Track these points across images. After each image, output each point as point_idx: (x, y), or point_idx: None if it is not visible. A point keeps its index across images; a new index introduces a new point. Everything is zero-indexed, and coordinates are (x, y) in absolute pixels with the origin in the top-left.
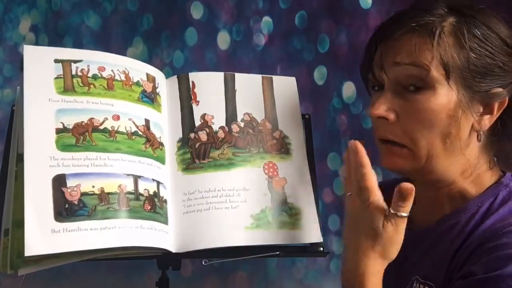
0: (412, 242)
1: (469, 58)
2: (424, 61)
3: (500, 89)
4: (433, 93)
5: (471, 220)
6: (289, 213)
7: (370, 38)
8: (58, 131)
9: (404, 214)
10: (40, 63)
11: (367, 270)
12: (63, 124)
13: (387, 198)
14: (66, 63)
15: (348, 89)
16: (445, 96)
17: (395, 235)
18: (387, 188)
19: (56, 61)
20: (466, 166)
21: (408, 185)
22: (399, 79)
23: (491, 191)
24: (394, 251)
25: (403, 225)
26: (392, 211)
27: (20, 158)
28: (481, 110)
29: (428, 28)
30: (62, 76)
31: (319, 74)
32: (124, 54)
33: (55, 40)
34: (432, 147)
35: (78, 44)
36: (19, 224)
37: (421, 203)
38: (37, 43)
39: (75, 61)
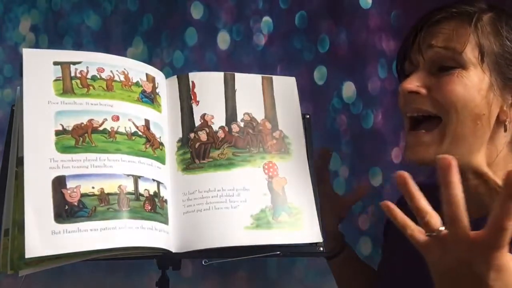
0: None
1: (504, 46)
2: (456, 45)
3: None
4: (464, 71)
5: None
6: (289, 213)
7: (411, 27)
8: (58, 133)
9: None
10: (39, 66)
11: None
12: (63, 126)
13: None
14: (65, 65)
15: (348, 89)
16: (477, 76)
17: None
18: (428, 191)
19: (55, 63)
20: (494, 156)
21: None
22: (433, 60)
23: None
24: None
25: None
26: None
27: (20, 162)
28: (511, 100)
29: (468, 15)
30: (61, 78)
31: (319, 74)
32: (124, 54)
33: (55, 40)
34: (463, 125)
35: (78, 44)
36: (19, 224)
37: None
38: (37, 43)
39: (74, 63)
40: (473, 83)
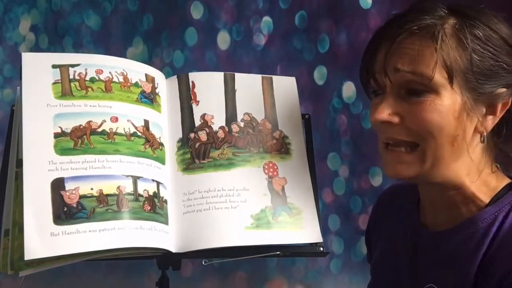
0: (426, 246)
1: (472, 60)
2: (425, 69)
3: (504, 90)
4: (437, 96)
5: (490, 229)
6: (289, 213)
7: (370, 42)
8: (57, 135)
9: None
10: (38, 69)
11: None
12: (61, 128)
13: (404, 202)
14: (64, 68)
15: (348, 89)
16: (449, 99)
17: None
18: (404, 190)
19: (54, 66)
20: (471, 167)
21: None
22: (400, 84)
23: (507, 199)
24: None
25: None
26: None
27: (20, 163)
28: (485, 111)
29: (430, 30)
30: (60, 81)
31: (319, 74)
32: (124, 54)
33: (55, 40)
34: (440, 150)
35: (78, 44)
36: (19, 225)
37: (433, 204)
38: (37, 43)
39: (73, 65)
40: (447, 108)
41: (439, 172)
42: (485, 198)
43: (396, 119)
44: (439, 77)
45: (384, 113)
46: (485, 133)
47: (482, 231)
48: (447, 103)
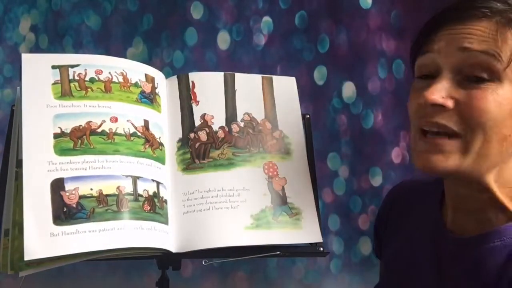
0: (450, 251)
1: None
2: (498, 51)
3: None
4: (498, 86)
5: None
6: (289, 213)
7: (429, 21)
8: (56, 135)
9: None
10: (38, 70)
11: None
12: (61, 129)
13: (423, 201)
14: (63, 69)
15: (348, 89)
16: (510, 93)
17: None
18: (420, 187)
19: (54, 67)
20: (509, 178)
21: None
22: (462, 66)
23: None
24: None
25: None
26: None
27: (20, 164)
28: None
29: (505, 16)
30: (59, 81)
31: (319, 74)
32: (124, 54)
33: (55, 40)
34: (487, 146)
35: (78, 44)
36: (19, 225)
37: (461, 206)
38: (37, 43)
39: (72, 66)
40: (507, 101)
41: (480, 171)
42: None
43: (450, 103)
44: (508, 68)
45: (438, 94)
46: None
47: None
48: (508, 96)
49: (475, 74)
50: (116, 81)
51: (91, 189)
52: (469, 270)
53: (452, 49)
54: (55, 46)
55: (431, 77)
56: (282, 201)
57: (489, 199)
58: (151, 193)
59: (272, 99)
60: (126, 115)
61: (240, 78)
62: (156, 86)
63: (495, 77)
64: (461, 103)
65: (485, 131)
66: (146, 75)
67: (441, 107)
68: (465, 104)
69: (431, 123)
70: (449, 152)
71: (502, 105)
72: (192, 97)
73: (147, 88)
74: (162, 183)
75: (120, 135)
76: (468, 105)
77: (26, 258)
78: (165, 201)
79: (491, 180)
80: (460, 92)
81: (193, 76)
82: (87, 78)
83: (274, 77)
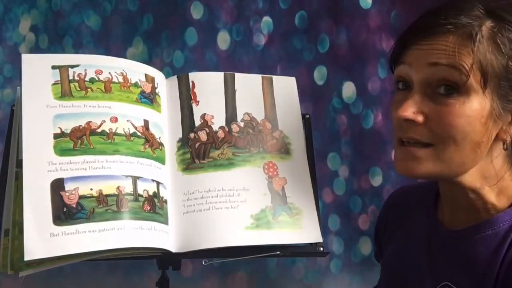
0: (443, 244)
1: (507, 66)
2: (464, 65)
3: None
4: (466, 99)
5: (510, 233)
6: (289, 213)
7: (401, 35)
8: (56, 136)
9: None
10: (38, 70)
11: None
12: (61, 129)
13: (420, 201)
14: (63, 69)
15: (348, 89)
16: (478, 103)
17: None
18: (418, 190)
19: (54, 67)
20: (491, 174)
21: None
22: (430, 80)
23: None
24: None
25: None
26: None
27: (20, 164)
28: (510, 119)
29: (466, 31)
30: (59, 82)
31: (319, 74)
32: (124, 55)
33: (55, 40)
34: (460, 155)
35: (78, 44)
36: (19, 225)
37: (453, 202)
38: (37, 43)
39: (72, 66)
40: (475, 113)
41: (457, 174)
42: (504, 204)
43: (420, 118)
44: (473, 79)
45: (409, 110)
46: (508, 141)
47: (503, 233)
48: (475, 107)
49: (442, 86)
50: (116, 81)
51: (91, 189)
52: (462, 261)
53: (421, 64)
54: (55, 46)
55: (409, 87)
56: (282, 201)
57: (476, 196)
58: (151, 193)
59: (272, 99)
60: (126, 115)
61: (240, 78)
62: (156, 86)
63: (462, 89)
64: (430, 119)
65: (456, 142)
66: (146, 75)
67: (413, 122)
68: (434, 120)
69: (405, 136)
70: (423, 159)
71: (470, 117)
72: (192, 97)
73: (147, 88)
74: (162, 183)
75: (120, 135)
76: (436, 121)
77: (26, 258)
78: (165, 201)
79: (473, 179)
80: (430, 106)
81: (193, 76)
82: (87, 78)
83: (274, 77)
